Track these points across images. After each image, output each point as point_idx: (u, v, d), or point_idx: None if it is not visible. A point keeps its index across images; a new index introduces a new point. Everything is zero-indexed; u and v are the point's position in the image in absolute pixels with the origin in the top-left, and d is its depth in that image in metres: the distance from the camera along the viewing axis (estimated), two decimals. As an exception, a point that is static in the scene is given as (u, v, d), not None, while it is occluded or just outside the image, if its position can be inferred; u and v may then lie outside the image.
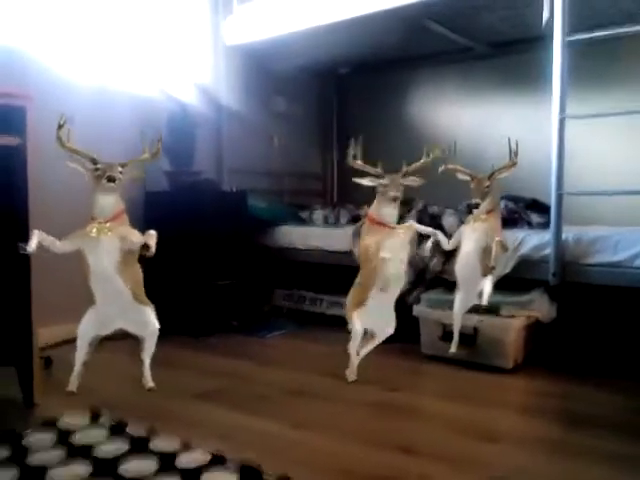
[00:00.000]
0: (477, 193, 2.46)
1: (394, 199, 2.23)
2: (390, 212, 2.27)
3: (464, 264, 2.48)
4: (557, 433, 1.89)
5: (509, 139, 2.46)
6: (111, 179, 1.95)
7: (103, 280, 1.96)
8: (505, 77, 3.85)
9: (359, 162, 2.27)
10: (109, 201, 1.98)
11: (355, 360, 2.28)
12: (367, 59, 4.20)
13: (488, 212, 2.48)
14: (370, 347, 2.36)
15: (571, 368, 2.50)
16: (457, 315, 2.50)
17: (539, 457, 1.71)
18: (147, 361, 2.09)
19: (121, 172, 1.98)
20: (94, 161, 1.99)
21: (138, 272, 2.07)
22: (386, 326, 2.36)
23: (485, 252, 2.41)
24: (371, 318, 2.30)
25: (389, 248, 2.18)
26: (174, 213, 3.16)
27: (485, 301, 2.39)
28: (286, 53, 3.91)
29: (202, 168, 3.48)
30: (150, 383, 2.09)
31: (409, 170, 2.30)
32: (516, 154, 2.47)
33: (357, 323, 2.24)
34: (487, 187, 2.45)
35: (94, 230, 1.94)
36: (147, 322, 2.06)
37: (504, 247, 2.45)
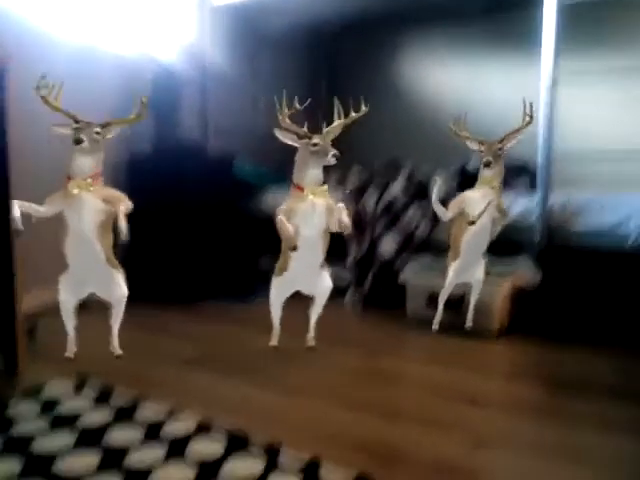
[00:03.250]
0: (488, 153, 2.30)
1: (335, 156, 2.01)
2: (316, 176, 2.06)
3: (476, 236, 2.35)
4: (542, 397, 1.91)
5: (524, 99, 2.33)
6: (78, 141, 1.88)
7: (81, 242, 1.92)
8: (495, 37, 3.79)
9: (287, 120, 2.05)
10: (86, 161, 1.92)
11: (276, 326, 2.22)
12: (356, 19, 4.10)
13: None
14: (317, 309, 2.25)
15: (556, 334, 2.52)
16: (448, 288, 2.45)
17: (524, 421, 1.73)
18: (115, 327, 2.06)
19: (98, 132, 1.93)
20: (76, 120, 1.93)
21: (111, 237, 2.03)
22: (317, 285, 2.22)
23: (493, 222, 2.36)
24: (296, 281, 2.19)
25: (301, 215, 2.03)
26: (159, 176, 3.11)
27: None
28: (274, 13, 3.81)
29: (187, 129, 3.42)
30: (118, 350, 2.06)
31: (333, 129, 2.07)
32: (531, 115, 2.34)
33: (272, 291, 2.18)
34: (500, 150, 2.31)
35: (75, 188, 1.89)
36: (116, 287, 2.03)
37: (505, 215, 2.41)
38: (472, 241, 2.36)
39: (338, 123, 2.07)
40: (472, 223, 2.27)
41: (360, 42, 4.37)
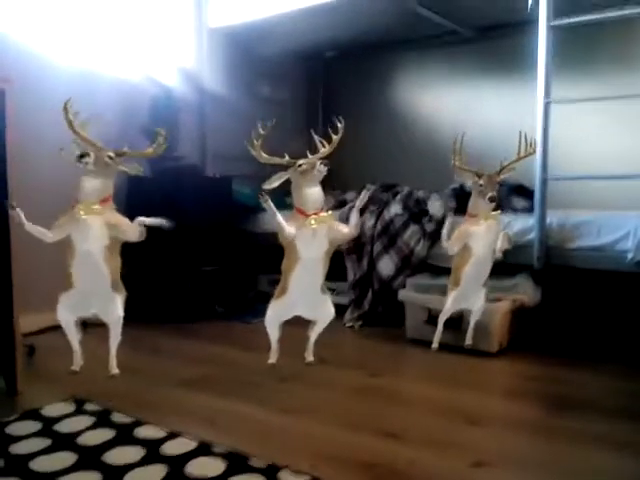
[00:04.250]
0: (491, 188, 2.31)
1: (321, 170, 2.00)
2: (316, 200, 2.04)
3: (478, 267, 2.38)
4: (542, 416, 1.90)
5: (520, 132, 2.37)
6: (82, 155, 1.85)
7: (88, 264, 1.93)
8: (490, 61, 3.85)
9: (264, 155, 2.00)
10: (94, 185, 1.91)
11: (274, 346, 2.19)
12: (353, 43, 4.16)
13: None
14: (317, 331, 2.22)
15: (556, 352, 2.52)
16: (446, 313, 2.45)
17: (524, 440, 1.73)
18: (113, 349, 2.04)
19: (111, 157, 1.92)
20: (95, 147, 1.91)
21: (118, 260, 2.03)
22: (319, 311, 2.20)
23: (494, 251, 2.40)
24: (296, 305, 2.16)
25: (301, 239, 2.02)
26: (157, 198, 3.12)
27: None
28: (271, 36, 3.86)
29: (185, 153, 3.44)
30: (114, 370, 2.04)
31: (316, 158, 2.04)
32: (532, 144, 2.39)
33: (268, 313, 2.16)
34: (499, 182, 2.34)
35: (81, 211, 1.88)
36: (113, 309, 2.01)
37: (510, 240, 2.46)
38: (473, 271, 2.38)
39: (323, 151, 2.06)
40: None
41: (357, 66, 4.43)
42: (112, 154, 1.91)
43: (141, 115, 3.23)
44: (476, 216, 2.37)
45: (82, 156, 1.85)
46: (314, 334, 2.24)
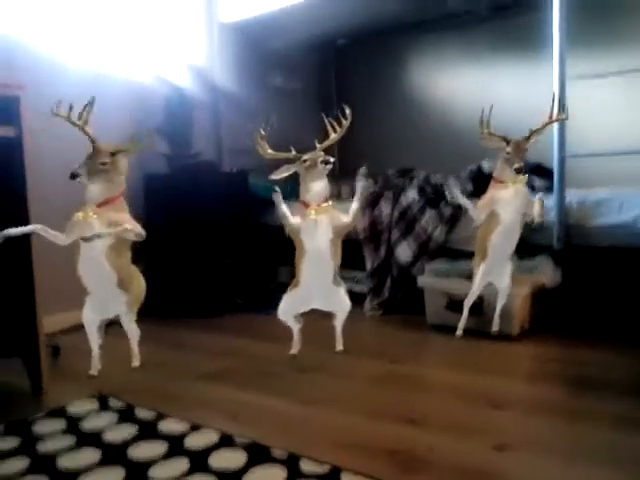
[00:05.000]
0: (517, 157, 2.25)
1: (326, 162, 2.02)
2: (318, 192, 2.07)
3: (506, 235, 2.33)
4: (564, 398, 1.88)
5: (553, 95, 2.32)
6: (73, 176, 1.91)
7: (91, 265, 1.96)
8: (505, 40, 3.78)
9: (270, 150, 2.06)
10: (94, 189, 1.95)
11: (295, 336, 2.22)
12: (365, 29, 4.12)
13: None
14: (340, 321, 2.24)
15: (577, 333, 2.49)
16: (475, 291, 2.42)
17: (546, 423, 1.71)
18: (134, 346, 2.13)
19: (104, 163, 1.94)
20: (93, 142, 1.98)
21: (127, 258, 2.06)
22: (335, 303, 2.21)
23: (524, 218, 2.34)
24: (312, 297, 2.19)
25: (305, 231, 2.06)
26: (175, 196, 3.16)
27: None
28: (282, 28, 3.85)
29: (201, 150, 3.46)
30: (135, 362, 2.12)
31: (324, 146, 2.09)
32: (563, 107, 2.33)
33: (281, 305, 2.19)
34: (526, 149, 2.29)
35: (80, 215, 1.93)
36: (122, 306, 2.07)
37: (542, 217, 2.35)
38: (501, 240, 2.34)
39: (325, 143, 2.11)
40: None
41: (369, 52, 4.39)
42: (106, 160, 1.94)
43: (155, 116, 3.24)
44: (503, 182, 2.32)
45: (73, 177, 1.91)
46: (338, 324, 2.26)
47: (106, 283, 1.99)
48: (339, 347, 2.27)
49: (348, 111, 2.08)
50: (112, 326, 2.12)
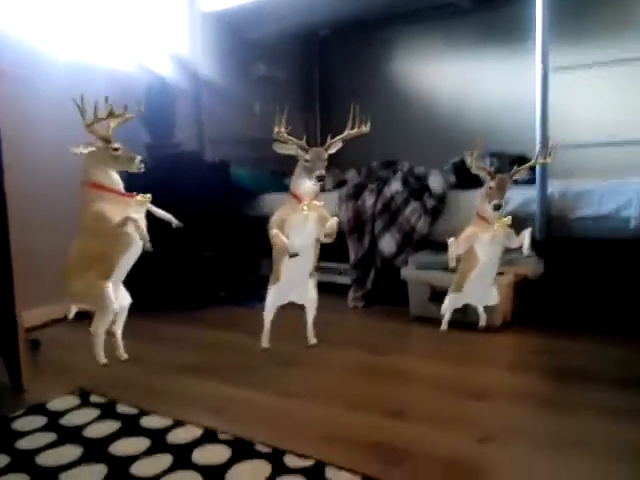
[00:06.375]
0: (499, 194, 2.25)
1: (320, 179, 2.04)
2: (311, 188, 2.10)
3: (483, 273, 2.36)
4: (547, 389, 1.90)
5: (547, 139, 2.38)
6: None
7: None
8: (488, 33, 3.79)
9: (285, 134, 2.06)
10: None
11: (267, 328, 2.26)
12: (347, 19, 4.10)
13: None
14: (310, 313, 2.29)
15: (560, 323, 2.51)
16: (445, 309, 2.44)
17: (529, 413, 1.72)
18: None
19: (116, 149, 2.05)
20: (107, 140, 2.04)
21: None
22: (306, 295, 2.26)
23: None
24: (291, 291, 2.24)
25: (293, 226, 2.08)
26: (156, 186, 3.10)
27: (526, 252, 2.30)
28: (265, 18, 3.81)
29: (183, 139, 3.42)
30: (124, 355, 2.19)
31: (335, 141, 2.12)
32: (550, 154, 2.35)
33: (267, 300, 2.23)
34: (508, 185, 2.29)
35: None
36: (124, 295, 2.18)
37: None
38: (478, 278, 2.36)
39: (337, 139, 2.12)
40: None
41: (352, 43, 4.37)
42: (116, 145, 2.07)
43: (137, 104, 3.19)
44: (485, 219, 2.32)
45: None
46: (310, 316, 2.30)
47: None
48: (312, 341, 2.30)
49: (369, 123, 2.14)
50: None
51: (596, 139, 3.03)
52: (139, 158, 2.05)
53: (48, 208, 2.61)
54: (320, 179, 2.04)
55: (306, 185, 2.09)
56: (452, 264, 2.34)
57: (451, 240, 2.34)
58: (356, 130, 2.13)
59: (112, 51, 3.23)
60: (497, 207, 2.26)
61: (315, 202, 2.10)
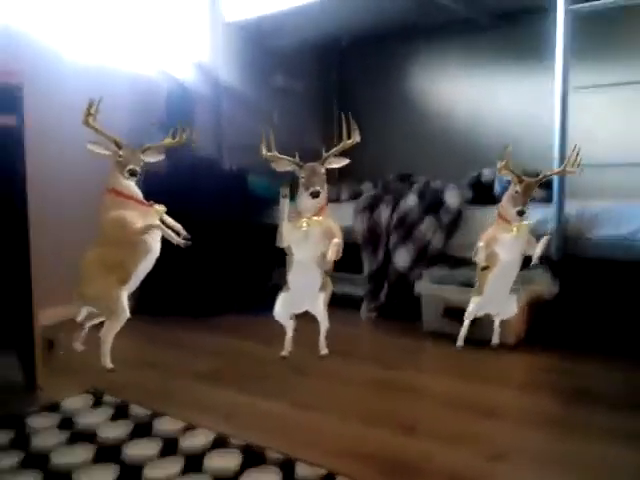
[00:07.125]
0: (523, 199, 2.23)
1: (314, 195, 2.02)
2: (308, 204, 2.08)
3: (503, 274, 2.34)
4: (558, 410, 1.89)
5: (575, 146, 2.32)
6: (133, 173, 2.00)
7: None
8: (508, 50, 3.79)
9: (276, 153, 2.07)
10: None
11: (288, 337, 2.26)
12: (368, 32, 4.12)
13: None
14: (323, 325, 2.28)
15: (573, 344, 2.49)
16: (469, 315, 2.42)
17: (540, 434, 1.71)
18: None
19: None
20: (117, 144, 2.00)
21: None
22: (315, 306, 2.25)
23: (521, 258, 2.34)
24: (302, 300, 2.24)
25: (295, 242, 2.09)
26: (173, 192, 3.12)
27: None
28: (286, 28, 3.84)
29: (202, 146, 3.44)
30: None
31: (329, 155, 2.08)
32: (579, 164, 2.32)
33: (276, 306, 2.23)
34: (535, 192, 2.29)
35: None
36: None
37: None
38: (497, 281, 2.35)
39: (332, 152, 2.09)
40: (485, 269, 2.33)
41: (371, 56, 4.39)
42: (142, 156, 2.07)
43: (157, 110, 3.24)
44: (507, 220, 2.31)
45: (133, 174, 2.02)
46: (322, 327, 2.29)
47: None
48: (323, 351, 2.30)
49: (358, 135, 2.07)
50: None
51: (614, 159, 3.01)
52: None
53: (67, 211, 2.65)
54: (314, 195, 2.01)
55: (303, 201, 2.08)
56: (483, 264, 2.34)
57: (481, 245, 2.32)
58: (351, 140, 2.07)
59: (134, 57, 3.28)
60: (521, 213, 2.25)
61: (315, 218, 2.07)
